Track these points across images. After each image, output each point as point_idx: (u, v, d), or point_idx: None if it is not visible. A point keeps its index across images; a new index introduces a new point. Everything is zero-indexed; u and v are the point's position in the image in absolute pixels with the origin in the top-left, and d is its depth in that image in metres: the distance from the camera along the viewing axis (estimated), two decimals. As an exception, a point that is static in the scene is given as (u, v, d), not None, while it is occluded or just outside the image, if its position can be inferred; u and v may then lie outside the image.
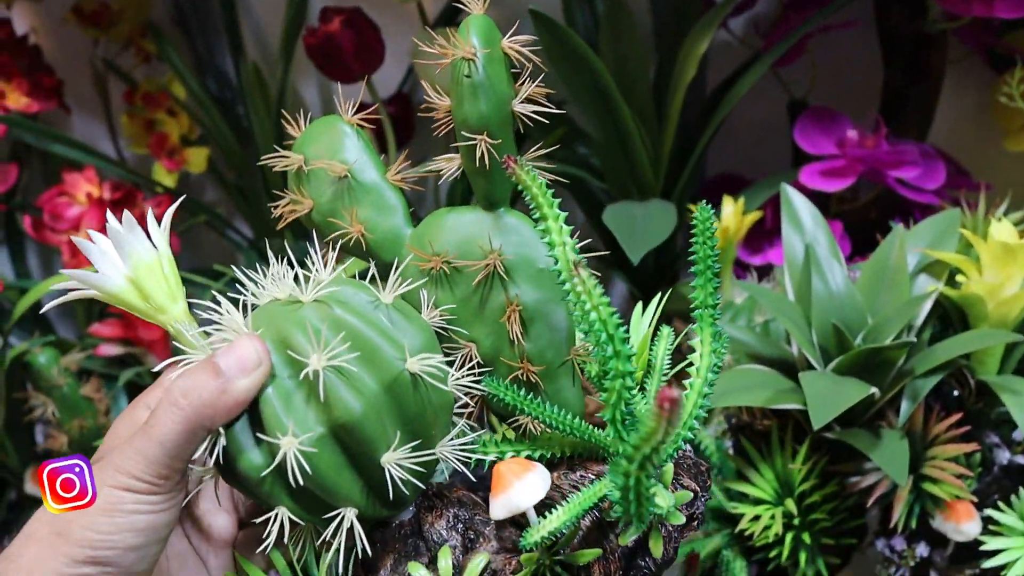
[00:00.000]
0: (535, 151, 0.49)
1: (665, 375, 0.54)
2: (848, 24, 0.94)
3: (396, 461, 0.47)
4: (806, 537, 0.75)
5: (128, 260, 0.49)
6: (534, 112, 0.48)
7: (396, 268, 0.50)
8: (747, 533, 0.75)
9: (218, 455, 0.46)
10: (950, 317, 0.77)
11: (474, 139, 0.47)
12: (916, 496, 0.72)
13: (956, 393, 0.75)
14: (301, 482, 0.45)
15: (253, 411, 0.46)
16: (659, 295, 0.58)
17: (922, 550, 0.74)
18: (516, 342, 0.50)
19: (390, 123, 0.96)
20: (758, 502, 0.76)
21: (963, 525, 0.70)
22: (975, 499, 0.71)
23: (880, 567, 0.76)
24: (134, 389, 1.00)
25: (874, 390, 0.68)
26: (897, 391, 0.71)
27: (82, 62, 1.19)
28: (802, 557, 0.75)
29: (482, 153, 0.47)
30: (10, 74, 0.97)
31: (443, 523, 0.51)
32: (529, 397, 0.50)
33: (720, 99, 0.97)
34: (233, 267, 0.54)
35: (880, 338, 0.72)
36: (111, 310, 0.98)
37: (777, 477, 0.76)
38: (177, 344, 0.50)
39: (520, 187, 0.46)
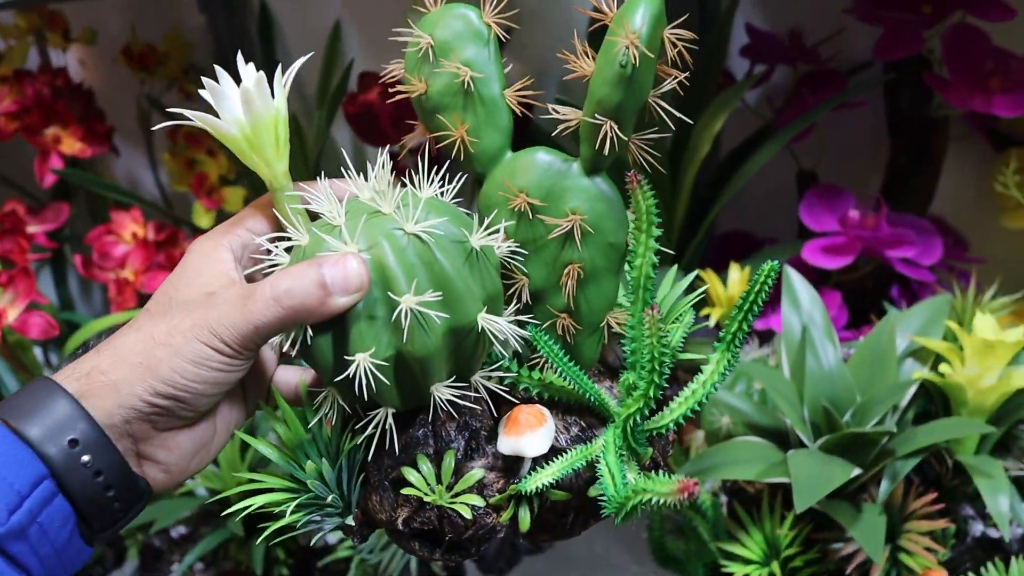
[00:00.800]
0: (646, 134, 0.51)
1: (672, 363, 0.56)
2: (857, 104, 0.99)
3: (441, 389, 0.52)
4: (790, 598, 0.81)
5: (248, 113, 0.50)
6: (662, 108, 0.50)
7: (486, 221, 0.52)
8: (737, 590, 0.81)
9: (298, 339, 0.51)
10: (934, 397, 0.82)
11: (603, 121, 0.49)
12: (892, 564, 0.78)
13: (935, 471, 0.81)
14: (364, 390, 0.49)
15: (339, 317, 0.50)
16: (693, 276, 0.62)
17: (897, 615, 0.80)
18: (567, 297, 0.54)
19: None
20: (747, 562, 0.82)
21: (936, 594, 0.76)
22: (945, 572, 0.77)
23: (858, 629, 0.82)
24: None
25: (857, 471, 0.73)
26: (880, 468, 0.77)
27: (129, 99, 1.26)
28: (785, 615, 0.81)
29: (604, 135, 0.49)
30: (66, 121, 1.04)
31: (455, 425, 0.55)
32: (561, 353, 0.53)
33: (732, 168, 1.02)
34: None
35: (867, 418, 0.77)
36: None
37: (766, 540, 0.82)
38: (276, 212, 0.53)
39: (631, 198, 0.50)
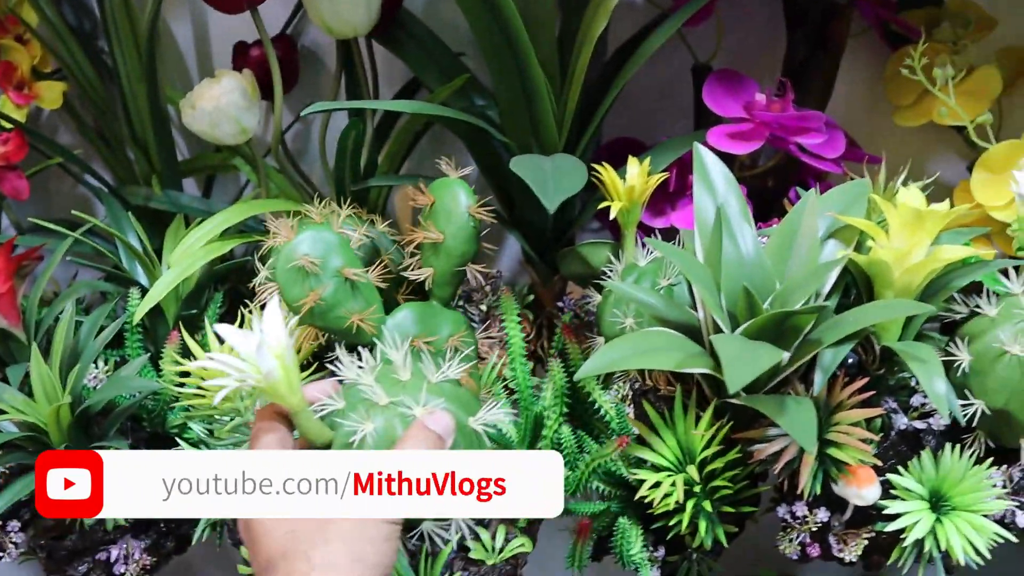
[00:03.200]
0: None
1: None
2: (755, -12, 0.93)
3: None
4: (707, 505, 0.73)
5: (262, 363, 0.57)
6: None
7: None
8: (647, 500, 0.73)
9: None
10: (851, 285, 0.76)
11: None
12: (820, 462, 0.71)
13: (858, 358, 0.75)
14: None
15: None
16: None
17: (822, 515, 0.74)
18: None
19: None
20: (659, 469, 0.74)
21: (864, 490, 0.70)
22: (879, 463, 0.71)
23: (781, 533, 0.75)
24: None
25: (786, 355, 0.66)
26: (803, 360, 0.70)
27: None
28: (702, 525, 0.73)
29: None
30: None
31: None
32: None
33: (623, 60, 0.94)
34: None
35: (788, 304, 0.70)
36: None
37: (679, 443, 0.74)
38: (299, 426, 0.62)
39: None
